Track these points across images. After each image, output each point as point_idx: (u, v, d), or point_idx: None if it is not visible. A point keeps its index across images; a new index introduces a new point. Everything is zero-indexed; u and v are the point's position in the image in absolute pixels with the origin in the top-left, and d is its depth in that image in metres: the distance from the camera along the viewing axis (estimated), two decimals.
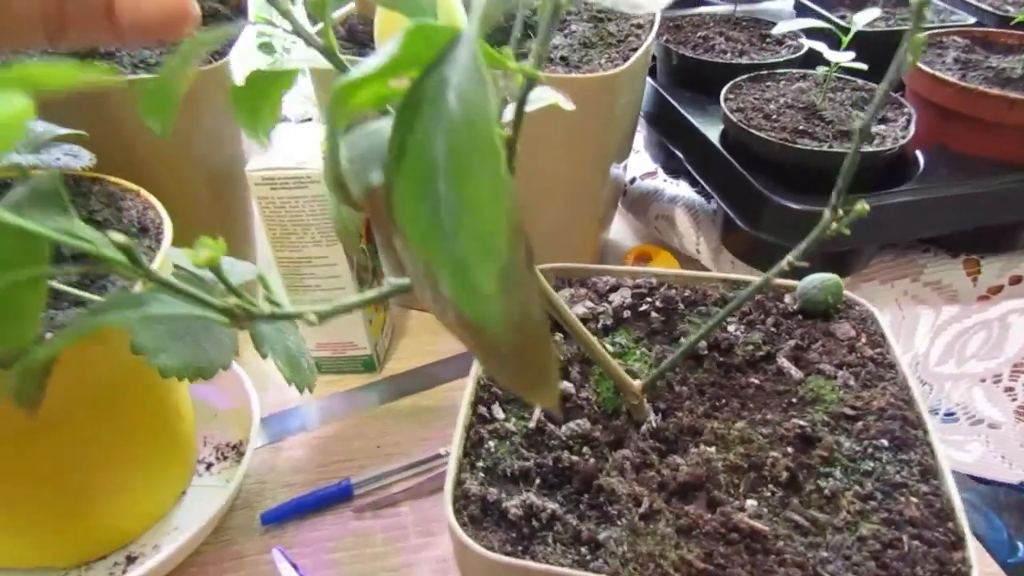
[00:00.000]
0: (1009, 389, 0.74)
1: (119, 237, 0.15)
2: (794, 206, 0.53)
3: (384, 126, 0.20)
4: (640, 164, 0.79)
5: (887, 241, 0.61)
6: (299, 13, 0.24)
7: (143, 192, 0.49)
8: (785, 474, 0.30)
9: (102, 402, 0.41)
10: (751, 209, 0.56)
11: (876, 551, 0.26)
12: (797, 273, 0.41)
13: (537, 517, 0.28)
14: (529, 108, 0.32)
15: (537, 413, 0.34)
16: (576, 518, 0.29)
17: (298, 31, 0.24)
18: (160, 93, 0.23)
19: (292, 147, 0.52)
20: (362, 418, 0.59)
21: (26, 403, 0.18)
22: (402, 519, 0.51)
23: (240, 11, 0.71)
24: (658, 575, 0.26)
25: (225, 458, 0.55)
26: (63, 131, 0.45)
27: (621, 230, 0.78)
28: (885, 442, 0.31)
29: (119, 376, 0.41)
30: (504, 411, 0.34)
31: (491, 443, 0.32)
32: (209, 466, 0.54)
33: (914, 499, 0.28)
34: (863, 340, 0.37)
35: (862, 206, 0.26)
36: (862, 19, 0.54)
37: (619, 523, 0.28)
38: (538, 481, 0.31)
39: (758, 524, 0.27)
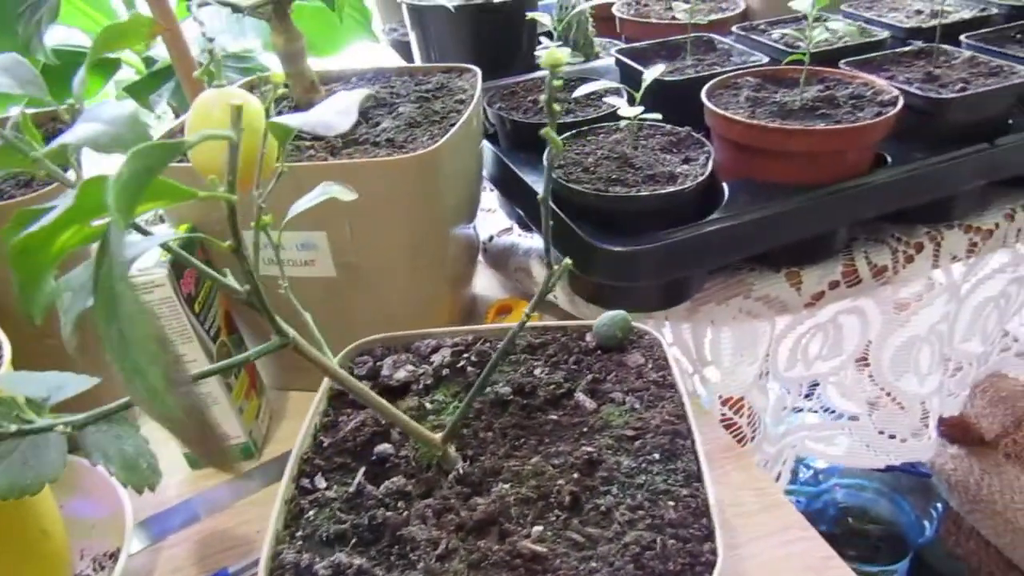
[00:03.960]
0: (857, 382, 0.81)
1: None
2: (615, 248, 0.59)
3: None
4: (497, 222, 0.84)
5: (708, 266, 0.67)
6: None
7: None
8: (568, 498, 0.33)
9: None
10: (581, 256, 0.61)
11: (636, 554, 0.30)
12: (619, 304, 0.46)
13: (344, 574, 0.31)
14: (316, 201, 0.36)
15: (358, 477, 0.37)
16: (384, 569, 0.32)
17: (52, 173, 0.27)
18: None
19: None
20: (244, 505, 0.60)
21: None
22: None
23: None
24: None
25: (103, 568, 0.55)
26: None
27: (488, 285, 0.83)
28: (657, 455, 0.35)
29: None
30: (327, 480, 0.37)
31: (311, 512, 0.35)
32: None
33: (672, 503, 0.32)
34: (649, 366, 0.41)
35: (566, 262, 0.30)
36: (650, 75, 0.61)
37: (418, 567, 0.31)
38: (354, 540, 0.33)
39: (539, 548, 0.31)
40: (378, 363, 0.44)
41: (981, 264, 0.79)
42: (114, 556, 0.55)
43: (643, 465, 0.35)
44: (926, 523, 1.36)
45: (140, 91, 0.94)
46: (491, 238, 0.82)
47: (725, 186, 0.65)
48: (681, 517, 0.32)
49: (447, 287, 0.68)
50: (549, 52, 0.23)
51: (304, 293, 0.38)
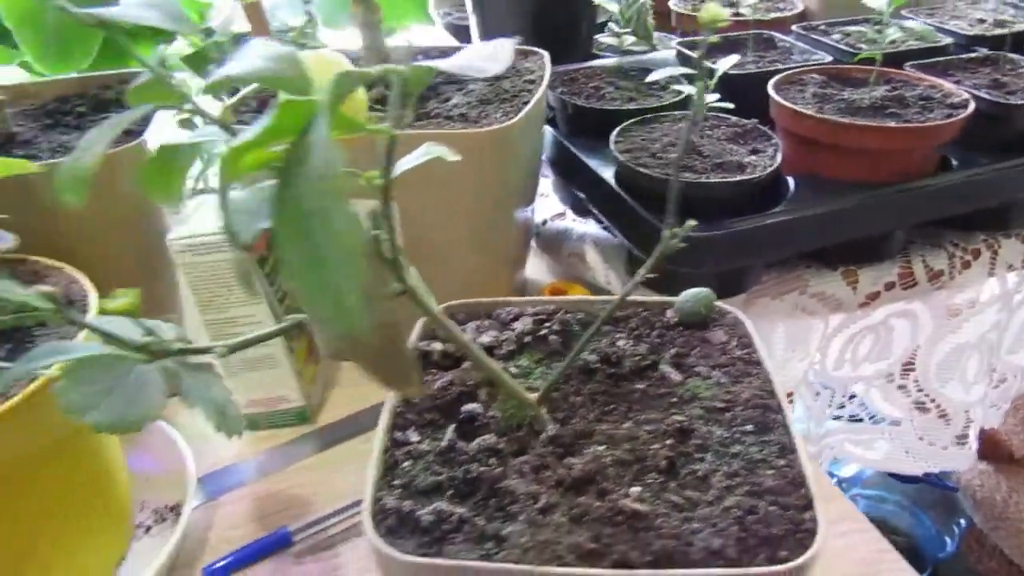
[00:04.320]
0: (902, 387, 0.81)
1: (46, 288, 0.18)
2: None
3: (270, 184, 0.24)
4: (550, 207, 0.84)
5: (768, 258, 0.67)
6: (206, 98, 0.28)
7: (67, 268, 0.51)
8: (664, 462, 0.34)
9: (30, 473, 0.43)
10: (646, 239, 0.62)
11: (738, 517, 0.31)
12: (677, 290, 0.46)
13: (447, 521, 0.32)
14: (420, 160, 0.37)
15: (448, 433, 0.37)
16: (484, 519, 0.32)
17: (198, 111, 0.28)
18: (72, 171, 0.26)
19: (211, 214, 0.55)
20: (298, 469, 0.61)
21: None
22: (340, 560, 0.53)
23: None
24: (553, 558, 0.30)
25: (164, 520, 0.56)
26: None
27: (538, 269, 0.83)
28: (750, 427, 0.36)
29: (47, 446, 0.43)
30: (419, 434, 0.37)
31: (406, 464, 0.35)
32: (148, 529, 0.55)
33: (771, 472, 0.33)
34: (733, 343, 0.42)
35: (689, 224, 0.31)
36: (724, 64, 0.61)
37: (520, 519, 0.32)
38: (450, 492, 0.34)
39: (640, 506, 0.31)
40: (462, 327, 0.45)
41: None
42: (174, 508, 0.56)
43: (736, 436, 0.35)
44: (947, 538, 1.36)
45: (199, 62, 0.94)
46: (544, 222, 0.82)
47: (790, 179, 0.66)
48: (779, 486, 0.32)
49: (506, 267, 0.68)
50: (709, 6, 0.24)
51: None
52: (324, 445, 0.64)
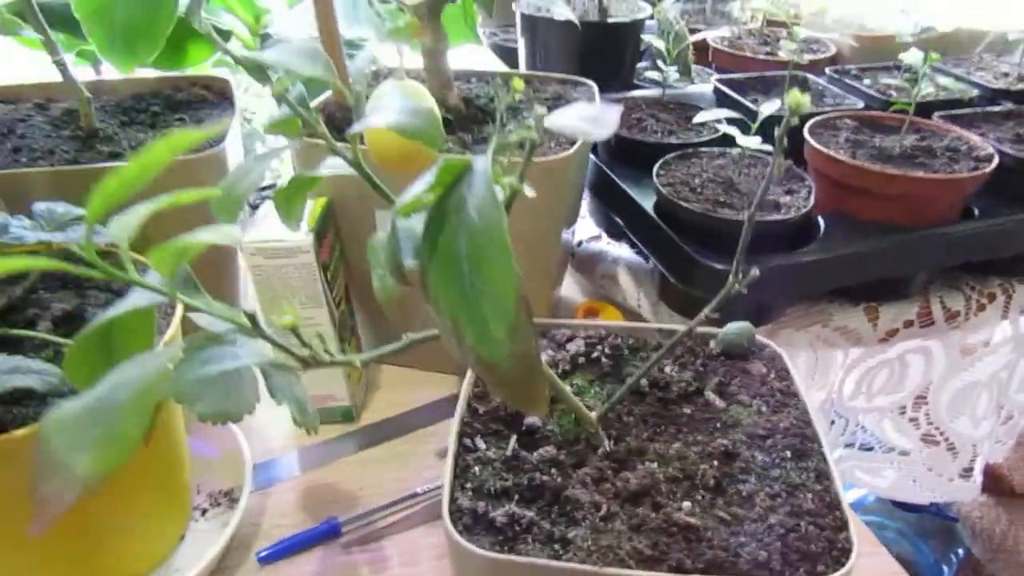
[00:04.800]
0: (913, 419, 0.84)
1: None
2: (717, 266, 0.63)
3: (409, 225, 0.28)
4: (586, 229, 0.88)
5: (798, 293, 0.71)
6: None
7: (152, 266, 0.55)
8: (712, 481, 0.38)
9: None
10: (682, 269, 0.66)
11: (781, 535, 0.34)
12: (719, 322, 0.50)
13: (518, 523, 0.36)
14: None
15: (511, 443, 0.41)
16: (549, 523, 0.36)
17: (333, 148, 0.32)
18: (227, 197, 0.30)
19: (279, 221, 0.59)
20: (342, 464, 0.65)
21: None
22: (386, 552, 0.57)
23: (224, 96, 0.78)
24: (616, 562, 0.33)
25: (218, 504, 0.60)
26: (82, 211, 0.52)
27: (571, 288, 0.87)
28: (789, 454, 0.39)
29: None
30: (485, 443, 0.41)
31: (476, 468, 0.39)
32: (204, 511, 0.59)
33: (810, 495, 0.37)
34: (772, 375, 0.46)
35: (754, 272, 0.35)
36: (767, 109, 0.65)
37: (583, 525, 0.36)
38: (516, 497, 0.38)
39: (692, 520, 0.35)
40: None
41: None
42: (228, 494, 0.60)
43: (776, 461, 0.39)
44: (944, 567, 1.39)
45: (256, 66, 0.98)
46: (580, 243, 0.86)
47: (821, 219, 0.69)
48: (817, 508, 0.36)
49: (547, 285, 0.72)
50: (793, 95, 0.28)
51: None
52: (366, 443, 0.67)
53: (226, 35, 1.12)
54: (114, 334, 0.26)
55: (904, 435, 0.86)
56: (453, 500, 0.37)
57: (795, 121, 0.29)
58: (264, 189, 1.33)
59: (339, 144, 0.32)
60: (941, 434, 0.85)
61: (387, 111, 0.29)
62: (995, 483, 1.23)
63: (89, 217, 0.21)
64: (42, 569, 0.48)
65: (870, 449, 0.88)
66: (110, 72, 0.79)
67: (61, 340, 0.48)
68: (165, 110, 0.74)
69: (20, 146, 0.63)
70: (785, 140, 0.32)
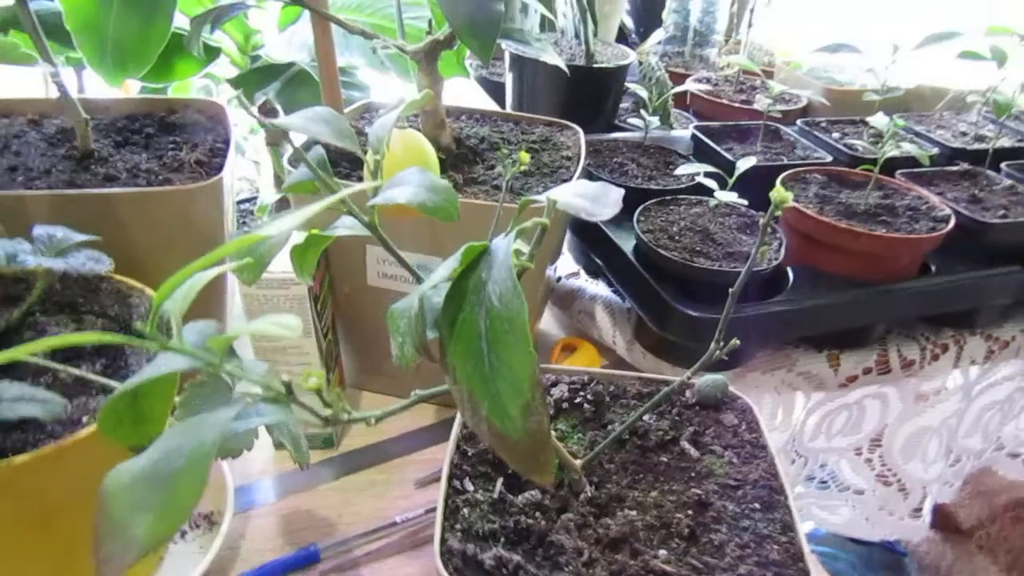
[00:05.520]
0: (868, 460, 0.88)
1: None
2: (693, 313, 0.66)
3: (427, 295, 0.30)
4: (565, 265, 0.91)
5: (768, 340, 0.74)
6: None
7: (147, 290, 0.57)
8: (687, 530, 0.40)
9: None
10: (659, 314, 0.69)
11: None
12: (679, 359, 0.53)
13: (506, 566, 0.38)
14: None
15: (498, 486, 0.43)
16: (535, 567, 0.38)
17: (352, 210, 0.34)
18: (251, 258, 0.32)
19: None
20: (321, 491, 0.66)
21: None
22: None
23: (218, 121, 0.79)
24: None
25: (197, 526, 0.60)
26: (81, 237, 0.53)
27: (549, 321, 0.90)
28: (757, 505, 0.42)
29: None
30: (473, 484, 0.43)
31: (465, 510, 0.41)
32: (184, 533, 0.60)
33: (776, 546, 0.39)
34: (743, 427, 0.49)
35: (733, 343, 0.38)
36: (743, 165, 0.68)
37: (567, 569, 0.38)
38: (503, 539, 0.40)
39: (668, 567, 0.38)
40: None
41: (994, 370, 0.87)
42: (207, 517, 0.61)
43: (746, 511, 0.42)
44: None
45: (247, 85, 1.00)
46: (559, 279, 0.89)
47: (790, 271, 0.73)
48: (783, 559, 0.39)
49: (532, 320, 0.74)
50: (777, 190, 0.30)
51: None
52: (345, 471, 0.69)
53: (215, 52, 1.13)
54: (142, 388, 0.28)
55: (860, 475, 0.90)
56: (444, 541, 0.39)
57: (777, 201, 0.32)
58: (242, 203, 1.34)
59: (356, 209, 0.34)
60: (894, 475, 0.89)
61: (408, 187, 0.31)
62: (944, 520, 1.29)
63: (155, 301, 0.23)
64: None
65: (827, 487, 0.92)
66: (91, 77, 0.80)
67: (59, 367, 0.49)
68: (159, 132, 0.75)
69: (16, 164, 0.64)
70: (770, 218, 0.35)
